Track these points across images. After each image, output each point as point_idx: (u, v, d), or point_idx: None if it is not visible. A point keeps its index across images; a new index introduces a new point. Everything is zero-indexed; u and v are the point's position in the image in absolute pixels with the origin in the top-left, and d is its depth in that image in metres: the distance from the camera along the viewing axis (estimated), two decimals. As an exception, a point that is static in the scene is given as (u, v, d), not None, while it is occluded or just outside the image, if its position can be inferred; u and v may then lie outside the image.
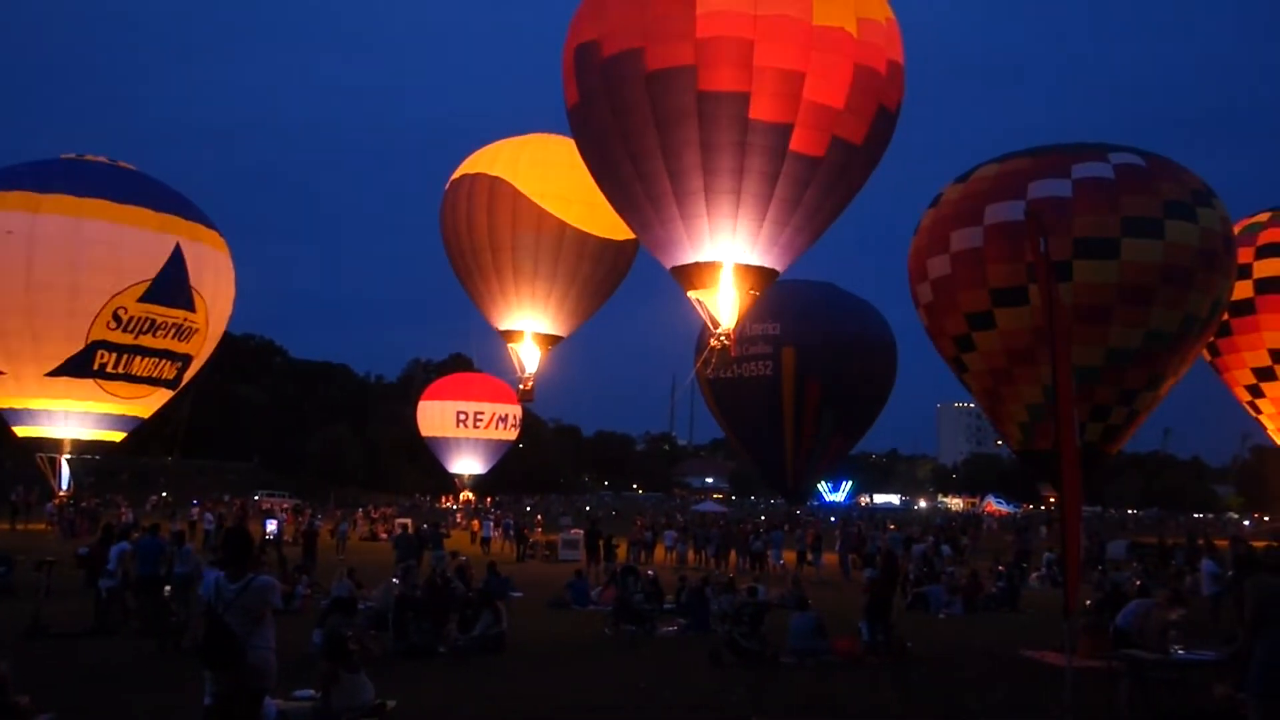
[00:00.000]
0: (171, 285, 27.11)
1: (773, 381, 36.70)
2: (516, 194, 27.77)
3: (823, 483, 71.39)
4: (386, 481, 77.13)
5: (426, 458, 53.68)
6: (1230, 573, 17.32)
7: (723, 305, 19.47)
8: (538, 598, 19.80)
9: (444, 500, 66.83)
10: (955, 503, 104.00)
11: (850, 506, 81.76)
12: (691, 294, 19.80)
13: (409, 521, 38.89)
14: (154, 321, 27.06)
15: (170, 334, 27.65)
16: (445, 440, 48.43)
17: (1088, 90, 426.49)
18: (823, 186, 18.53)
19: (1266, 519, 64.51)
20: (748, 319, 20.98)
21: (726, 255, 18.92)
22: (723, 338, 19.73)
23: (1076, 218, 23.48)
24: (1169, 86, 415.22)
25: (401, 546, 24.46)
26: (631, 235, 23.26)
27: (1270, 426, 30.62)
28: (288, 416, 79.40)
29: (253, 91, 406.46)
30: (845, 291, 40.78)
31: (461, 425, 47.72)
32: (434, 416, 48.57)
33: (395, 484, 76.92)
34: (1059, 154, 25.29)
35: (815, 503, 70.58)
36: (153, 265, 26.68)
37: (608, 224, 25.86)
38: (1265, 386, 29.38)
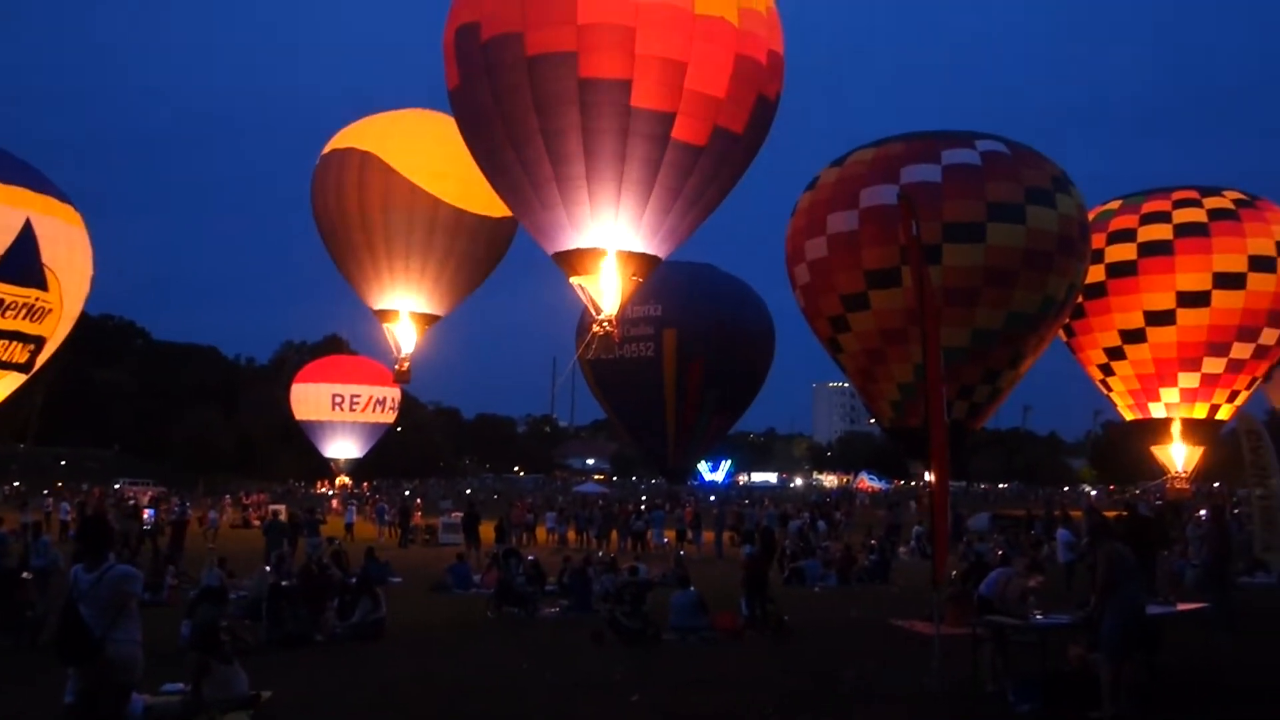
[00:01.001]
0: (21, 263, 25.52)
1: (654, 363, 37.02)
2: (388, 169, 27.20)
3: (703, 462, 72.42)
4: (258, 467, 74.86)
5: (300, 442, 52.30)
6: (1084, 541, 18.34)
7: (605, 291, 19.49)
8: (418, 583, 19.55)
9: (320, 485, 65.25)
10: (830, 479, 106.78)
11: (730, 485, 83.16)
12: (574, 279, 19.76)
13: (283, 508, 37.87)
14: (2, 302, 25.51)
15: (21, 314, 26.07)
16: (320, 424, 47.26)
17: (956, 83, 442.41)
18: (705, 175, 18.72)
19: (1115, 489, 68.45)
20: (629, 300, 21.09)
21: (609, 241, 18.93)
22: (605, 324, 19.76)
23: (946, 202, 24.35)
24: (1035, 80, 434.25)
25: (271, 533, 23.90)
26: (509, 212, 23.02)
27: (1120, 403, 32.42)
28: (151, 401, 76.22)
29: (109, 53, 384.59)
30: (725, 273, 41.37)
31: (337, 408, 46.65)
32: (308, 399, 47.33)
33: (268, 470, 74.73)
34: (930, 140, 26.15)
35: (695, 482, 71.56)
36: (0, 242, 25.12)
37: (484, 200, 25.54)
38: (1115, 365, 31.10)
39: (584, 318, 32.75)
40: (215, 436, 74.57)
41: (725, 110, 18.19)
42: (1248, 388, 30.68)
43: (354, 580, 15.12)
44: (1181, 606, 10.81)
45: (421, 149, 27.20)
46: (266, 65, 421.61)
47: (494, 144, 19.08)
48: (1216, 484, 54.36)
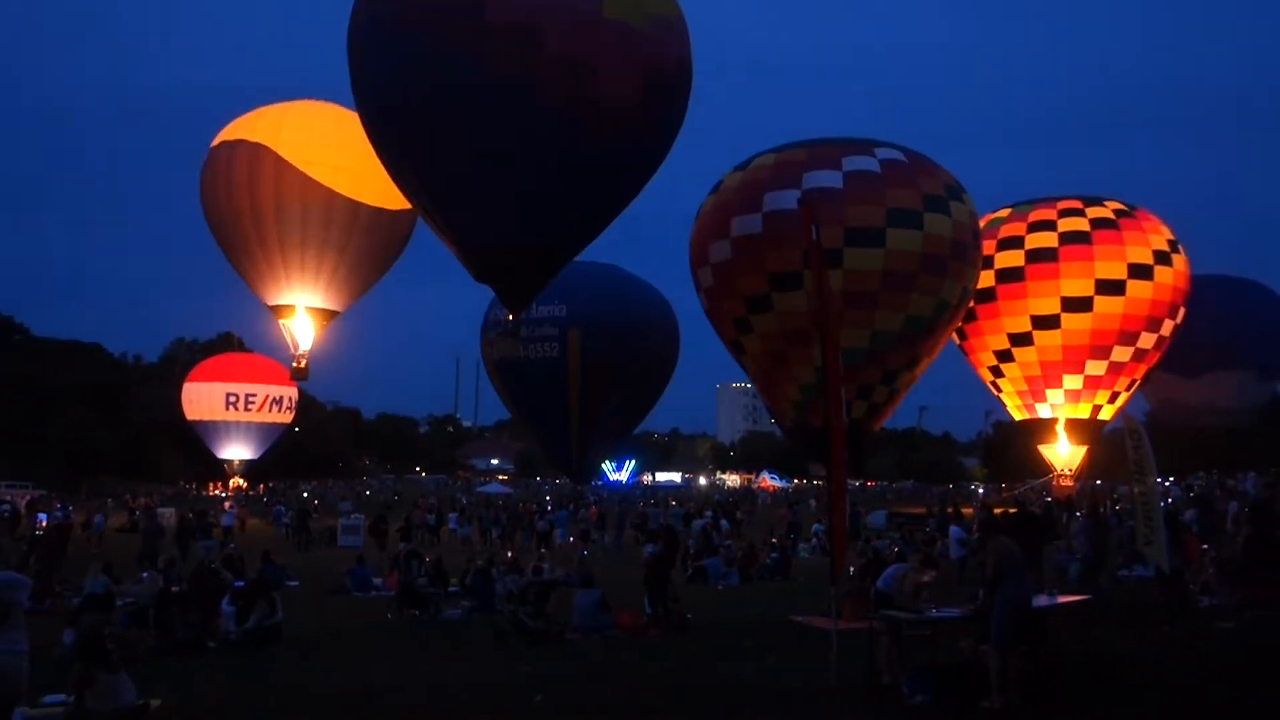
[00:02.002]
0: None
1: (559, 363, 36.85)
2: (279, 161, 26.51)
3: (607, 462, 72.49)
4: (147, 469, 72.16)
5: (192, 443, 50.59)
6: (974, 536, 18.96)
7: (511, 293, 19.28)
8: (317, 586, 19.16)
9: (213, 488, 63.27)
10: (732, 479, 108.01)
11: (634, 485, 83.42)
12: (481, 281, 19.48)
13: (171, 511, 36.61)
14: None
15: (-113, 308, 24.68)
16: (213, 424, 45.84)
17: (855, 90, 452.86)
18: (617, 170, 18.72)
19: (1004, 486, 70.82)
20: (534, 301, 20.95)
21: (515, 243, 18.73)
22: (514, 326, 19.45)
23: (848, 208, 24.81)
24: (928, 89, 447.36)
25: (148, 536, 23.14)
26: (408, 205, 22.69)
27: (1010, 404, 33.57)
28: (29, 399, 72.64)
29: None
30: (630, 274, 41.49)
31: (231, 408, 45.29)
32: (201, 399, 45.85)
33: (157, 472, 72.10)
34: (830, 147, 26.61)
35: (600, 482, 71.58)
36: None
37: (380, 192, 25.10)
38: (1004, 367, 32.19)
39: (489, 316, 32.50)
40: (99, 437, 71.57)
41: (633, 113, 18.19)
42: (1127, 389, 32.12)
43: (241, 584, 14.74)
44: (1063, 599, 11.26)
45: (314, 140, 26.63)
46: (161, 52, 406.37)
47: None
48: (1099, 481, 56.69)
